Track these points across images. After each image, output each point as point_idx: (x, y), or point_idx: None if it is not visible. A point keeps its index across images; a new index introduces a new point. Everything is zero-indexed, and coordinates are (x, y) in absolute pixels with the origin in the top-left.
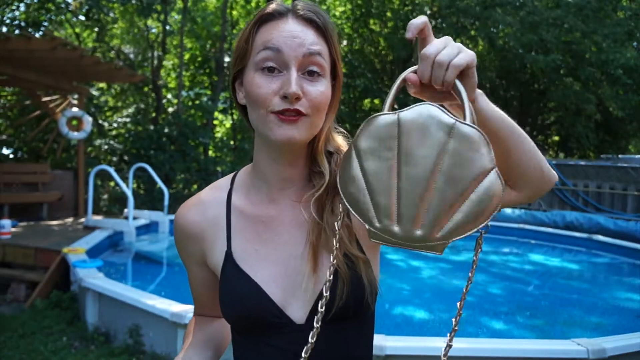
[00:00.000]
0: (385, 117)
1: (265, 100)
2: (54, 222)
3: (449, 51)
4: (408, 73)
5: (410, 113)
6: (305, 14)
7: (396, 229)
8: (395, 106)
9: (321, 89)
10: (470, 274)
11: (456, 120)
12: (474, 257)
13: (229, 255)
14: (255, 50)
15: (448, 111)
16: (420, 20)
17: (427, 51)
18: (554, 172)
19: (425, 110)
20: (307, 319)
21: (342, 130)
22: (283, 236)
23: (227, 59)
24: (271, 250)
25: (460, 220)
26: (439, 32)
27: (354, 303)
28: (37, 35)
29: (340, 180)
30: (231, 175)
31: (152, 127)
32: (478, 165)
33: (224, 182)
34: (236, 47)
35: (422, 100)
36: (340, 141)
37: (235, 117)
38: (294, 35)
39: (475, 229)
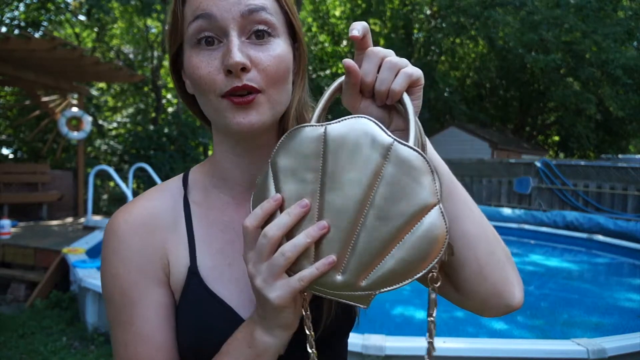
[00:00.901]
0: (310, 130)
1: (209, 81)
2: (54, 222)
3: (399, 59)
4: (343, 78)
5: (340, 127)
6: None
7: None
8: (329, 116)
9: (274, 52)
10: (428, 337)
11: (395, 140)
12: (428, 318)
13: (193, 272)
14: (186, 23)
15: (387, 129)
16: (364, 23)
17: (375, 49)
18: (518, 291)
19: (359, 125)
20: (290, 349)
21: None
22: None
23: None
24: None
25: (392, 268)
26: (438, 32)
27: (344, 318)
28: (36, 35)
29: (253, 203)
30: (179, 177)
31: (152, 127)
32: (418, 198)
33: (172, 184)
34: (167, 28)
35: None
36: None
37: None
38: None
39: (410, 280)
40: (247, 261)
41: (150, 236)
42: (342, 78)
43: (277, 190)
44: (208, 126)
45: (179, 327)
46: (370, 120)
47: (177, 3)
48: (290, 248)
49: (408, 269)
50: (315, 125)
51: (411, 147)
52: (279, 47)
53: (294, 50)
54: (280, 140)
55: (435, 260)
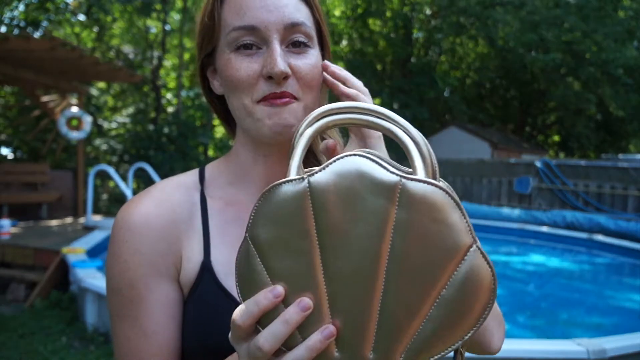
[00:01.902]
0: (289, 187)
1: (248, 86)
2: (54, 222)
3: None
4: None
5: (327, 175)
6: None
7: (337, 355)
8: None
9: (311, 62)
10: None
11: (401, 176)
12: None
13: (206, 267)
14: (225, 30)
15: (386, 161)
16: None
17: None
18: (497, 340)
19: (350, 166)
20: None
21: None
22: None
23: None
24: None
25: (433, 333)
26: (438, 32)
27: None
28: (36, 35)
29: (240, 285)
30: (194, 171)
31: (152, 127)
32: (448, 242)
33: (187, 178)
34: (199, 26)
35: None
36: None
37: None
38: (269, 6)
39: (460, 342)
40: (239, 354)
41: (165, 229)
42: (313, 130)
43: (267, 269)
44: (229, 127)
45: (187, 321)
46: (362, 155)
47: (215, 4)
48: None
49: (453, 329)
50: (295, 180)
51: (424, 181)
52: (314, 57)
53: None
54: (254, 207)
55: (486, 312)
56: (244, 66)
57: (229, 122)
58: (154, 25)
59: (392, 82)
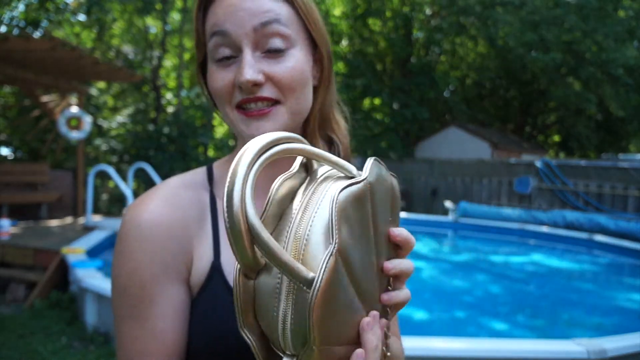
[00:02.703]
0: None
1: (226, 94)
2: (53, 222)
3: None
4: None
5: (320, 231)
6: None
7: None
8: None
9: (289, 64)
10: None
11: (365, 178)
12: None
13: (216, 268)
14: (207, 38)
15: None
16: None
17: None
18: None
19: (333, 204)
20: None
21: (345, 110)
22: None
23: None
24: None
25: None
26: (438, 32)
27: None
28: (36, 35)
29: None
30: (202, 170)
31: (152, 127)
32: (392, 192)
33: (196, 177)
34: (194, 37)
35: None
36: (343, 127)
37: None
38: (237, 7)
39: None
40: None
41: (176, 229)
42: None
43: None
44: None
45: (195, 322)
46: (338, 192)
47: (199, 13)
48: None
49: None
50: (303, 272)
51: (360, 181)
52: (294, 58)
53: (314, 55)
54: (322, 266)
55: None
56: (221, 77)
57: None
58: (154, 25)
59: (392, 82)
